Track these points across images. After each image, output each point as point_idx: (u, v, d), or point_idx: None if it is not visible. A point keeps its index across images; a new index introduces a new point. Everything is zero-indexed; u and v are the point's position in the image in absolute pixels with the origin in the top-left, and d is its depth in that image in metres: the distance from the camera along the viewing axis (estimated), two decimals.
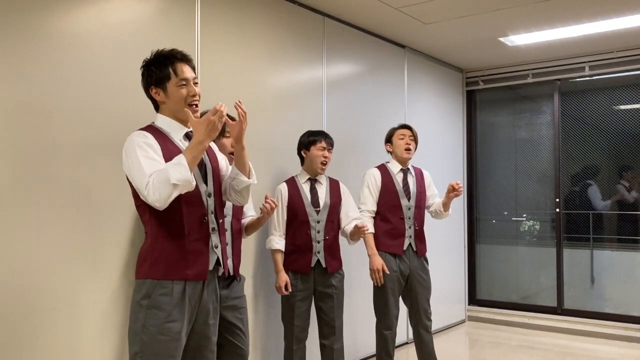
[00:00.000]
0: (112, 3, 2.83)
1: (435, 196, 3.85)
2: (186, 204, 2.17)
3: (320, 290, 3.40)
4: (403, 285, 3.66)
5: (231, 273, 2.80)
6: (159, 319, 2.09)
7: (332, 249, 3.42)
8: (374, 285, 3.65)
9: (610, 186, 5.62)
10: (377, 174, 3.69)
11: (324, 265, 3.37)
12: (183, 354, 2.20)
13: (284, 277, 3.29)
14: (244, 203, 2.40)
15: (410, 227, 3.66)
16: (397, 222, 3.63)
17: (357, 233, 3.29)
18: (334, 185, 3.53)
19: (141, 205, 2.16)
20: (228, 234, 2.82)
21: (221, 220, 2.33)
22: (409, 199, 3.67)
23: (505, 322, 5.83)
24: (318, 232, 3.37)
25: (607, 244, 5.66)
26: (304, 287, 3.35)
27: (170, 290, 2.11)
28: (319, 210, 3.39)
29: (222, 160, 2.43)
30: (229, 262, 2.80)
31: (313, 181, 3.46)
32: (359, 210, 3.62)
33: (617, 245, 5.59)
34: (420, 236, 3.73)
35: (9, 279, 2.41)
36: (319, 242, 3.37)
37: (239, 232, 2.93)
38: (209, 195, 2.25)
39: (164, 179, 1.99)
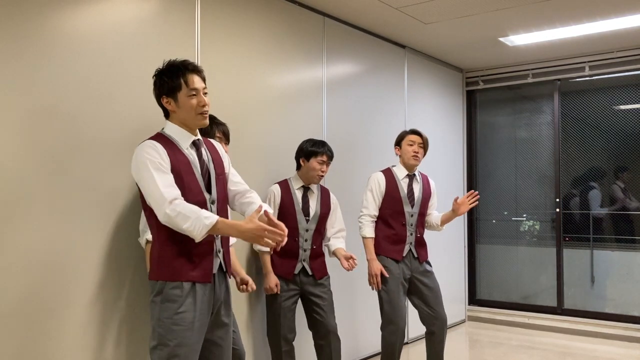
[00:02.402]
0: (112, 3, 2.83)
1: (434, 208, 3.82)
2: None
3: (310, 291, 3.40)
4: (407, 288, 3.65)
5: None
6: (172, 311, 2.17)
7: (319, 257, 3.46)
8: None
9: (610, 188, 5.62)
10: (382, 179, 3.66)
11: (310, 273, 3.40)
12: (203, 344, 2.26)
13: (274, 278, 3.31)
14: None
15: (412, 234, 3.65)
16: (399, 228, 3.62)
17: (343, 261, 3.36)
18: (324, 195, 3.53)
19: (148, 209, 2.22)
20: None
21: None
22: (412, 206, 3.65)
23: (505, 322, 5.83)
24: (306, 240, 3.39)
25: (607, 244, 5.65)
26: (289, 287, 3.36)
27: (181, 284, 2.19)
28: (309, 219, 3.40)
29: (225, 160, 2.45)
30: None
31: (306, 189, 3.46)
32: (360, 214, 3.64)
33: (617, 245, 5.59)
34: (420, 242, 3.70)
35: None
36: (305, 250, 3.39)
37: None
38: (213, 203, 2.30)
39: (186, 216, 2.07)
